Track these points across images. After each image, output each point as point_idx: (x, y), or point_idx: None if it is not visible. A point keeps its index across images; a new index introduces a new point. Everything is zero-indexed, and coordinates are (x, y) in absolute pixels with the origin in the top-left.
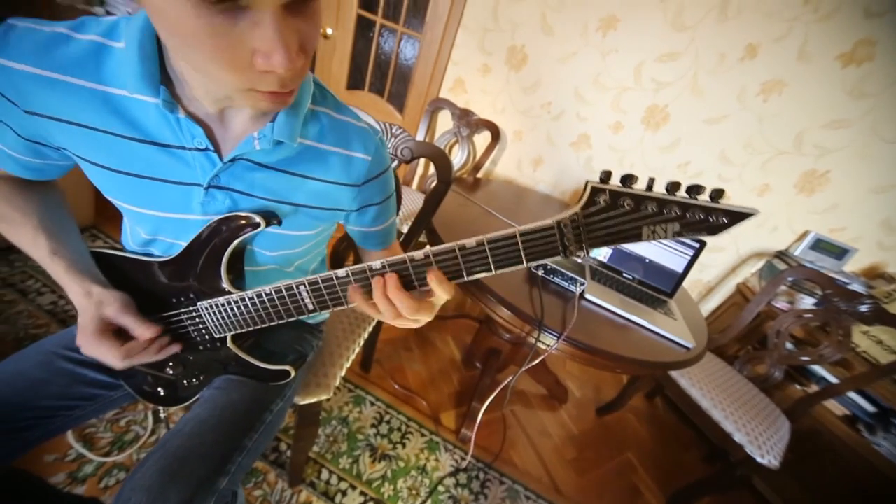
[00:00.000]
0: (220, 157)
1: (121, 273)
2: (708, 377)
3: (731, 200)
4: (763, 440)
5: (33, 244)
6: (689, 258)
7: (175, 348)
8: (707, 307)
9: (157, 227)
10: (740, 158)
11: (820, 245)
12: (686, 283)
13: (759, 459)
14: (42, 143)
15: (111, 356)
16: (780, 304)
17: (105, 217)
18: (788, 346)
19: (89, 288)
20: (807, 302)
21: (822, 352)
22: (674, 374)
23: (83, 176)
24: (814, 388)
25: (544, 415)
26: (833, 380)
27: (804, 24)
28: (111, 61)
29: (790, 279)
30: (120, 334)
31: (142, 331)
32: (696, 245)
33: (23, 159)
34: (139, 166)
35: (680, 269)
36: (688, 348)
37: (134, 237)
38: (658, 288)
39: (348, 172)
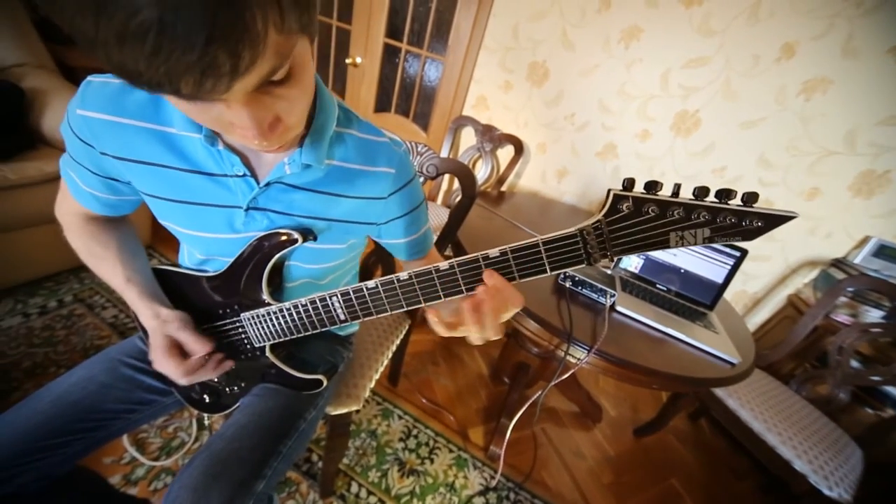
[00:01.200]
0: (257, 182)
1: (175, 287)
2: (759, 397)
3: (776, 206)
4: (830, 470)
5: (112, 274)
6: (729, 268)
7: (229, 364)
8: (754, 321)
9: (208, 247)
10: (783, 161)
11: (885, 252)
12: (728, 295)
13: (826, 492)
14: (115, 178)
15: (175, 373)
16: (841, 317)
17: (160, 238)
18: (854, 364)
19: (157, 311)
20: (873, 315)
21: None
22: (719, 392)
23: (142, 203)
24: (889, 412)
25: (577, 434)
26: None
27: (847, 20)
28: (165, 103)
29: (850, 289)
30: (185, 352)
31: (196, 346)
32: (737, 254)
33: (102, 197)
34: (190, 194)
35: (720, 280)
36: (732, 364)
37: (190, 258)
38: (696, 300)
39: (374, 187)
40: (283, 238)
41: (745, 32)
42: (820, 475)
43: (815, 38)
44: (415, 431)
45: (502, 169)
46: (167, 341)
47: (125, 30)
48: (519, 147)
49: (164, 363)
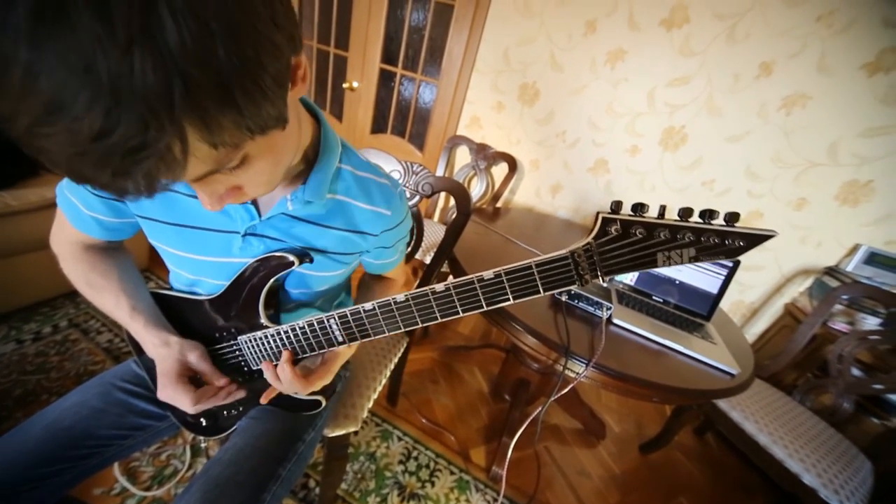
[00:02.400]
0: (258, 210)
1: (172, 310)
2: (764, 409)
3: (765, 216)
4: (840, 483)
5: (116, 305)
6: (723, 278)
7: (241, 394)
8: (753, 331)
9: (199, 269)
10: (769, 173)
11: (876, 259)
12: (725, 305)
13: None
14: (117, 198)
15: (186, 399)
16: (839, 325)
17: (157, 261)
18: (855, 372)
19: (167, 338)
20: (870, 322)
21: None
22: (723, 405)
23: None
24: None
25: (581, 452)
26: None
27: (820, 39)
28: None
29: (845, 297)
30: (193, 379)
31: (217, 378)
32: (730, 264)
33: (105, 220)
34: (188, 218)
35: (714, 290)
36: (731, 375)
37: (178, 279)
38: (692, 311)
39: (370, 224)
40: (280, 262)
41: (725, 52)
42: (830, 489)
43: (790, 56)
44: (415, 453)
45: (497, 186)
46: (180, 368)
47: (40, 156)
48: (512, 164)
49: (172, 390)
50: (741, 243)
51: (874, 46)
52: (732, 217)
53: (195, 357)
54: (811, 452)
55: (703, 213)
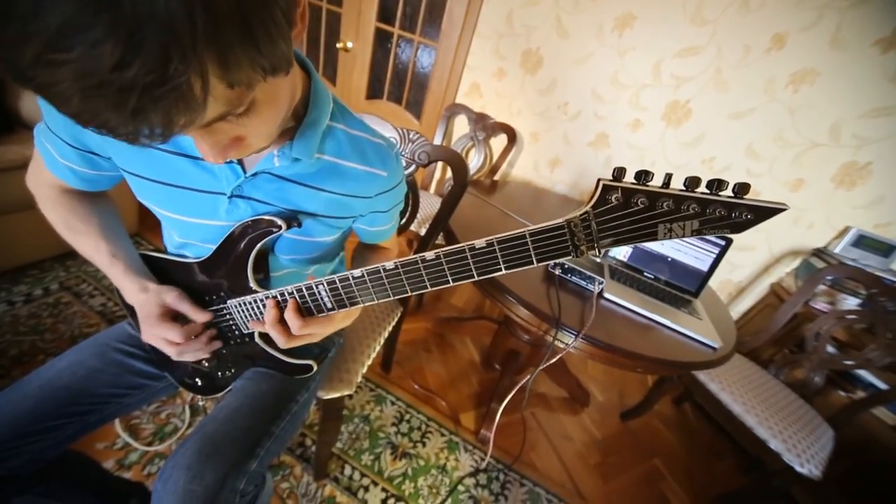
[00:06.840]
0: (244, 170)
1: (162, 273)
2: (739, 381)
3: (761, 196)
4: (802, 448)
5: (95, 250)
6: (714, 256)
7: (218, 344)
8: (738, 308)
9: (187, 231)
10: (770, 152)
11: (863, 242)
12: (714, 284)
13: (798, 469)
14: (95, 153)
15: (172, 335)
16: (820, 304)
17: (146, 226)
18: (830, 349)
19: (145, 285)
20: (850, 303)
21: (868, 355)
22: (702, 377)
23: (128, 190)
24: (860, 394)
25: (566, 418)
26: (882, 386)
27: (836, 11)
28: None
29: (829, 278)
30: (176, 322)
31: (198, 315)
32: (722, 243)
33: (80, 171)
34: (173, 176)
35: (705, 268)
36: (714, 348)
37: (169, 240)
38: (682, 287)
39: (364, 186)
40: (268, 225)
41: (737, 22)
42: (793, 453)
43: (804, 28)
44: (407, 416)
45: (495, 158)
46: (160, 309)
47: (49, 91)
48: (512, 136)
49: (155, 329)
50: (749, 216)
51: (891, 21)
52: (742, 188)
53: (172, 298)
54: (779, 421)
55: (710, 184)
